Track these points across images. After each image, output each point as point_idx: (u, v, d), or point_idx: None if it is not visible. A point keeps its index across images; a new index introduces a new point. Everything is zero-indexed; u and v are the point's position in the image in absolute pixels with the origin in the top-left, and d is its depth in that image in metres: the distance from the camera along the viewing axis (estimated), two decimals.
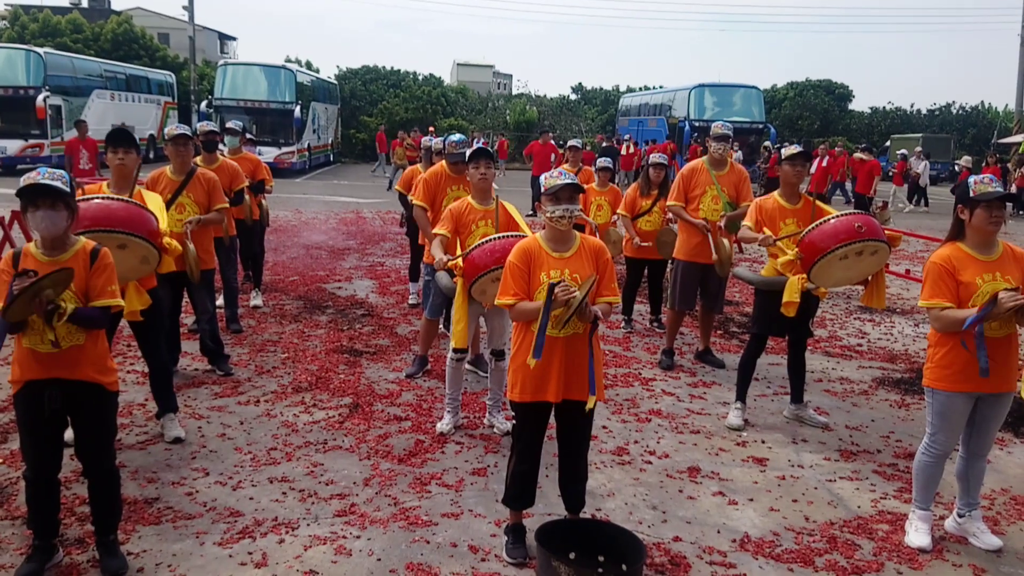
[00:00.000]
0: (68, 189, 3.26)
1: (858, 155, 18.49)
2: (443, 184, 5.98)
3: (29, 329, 3.19)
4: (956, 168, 26.38)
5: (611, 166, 8.71)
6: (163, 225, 4.53)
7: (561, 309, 3.36)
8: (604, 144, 24.80)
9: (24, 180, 3.22)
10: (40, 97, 23.41)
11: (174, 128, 5.72)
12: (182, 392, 5.54)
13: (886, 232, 5.03)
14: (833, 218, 4.95)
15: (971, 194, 3.69)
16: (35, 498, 3.40)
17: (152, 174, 5.73)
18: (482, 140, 29.22)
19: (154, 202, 4.78)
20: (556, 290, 3.32)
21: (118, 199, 4.46)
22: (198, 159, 6.46)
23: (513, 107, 42.20)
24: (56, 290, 3.11)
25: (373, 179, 26.39)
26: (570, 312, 3.33)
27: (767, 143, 26.33)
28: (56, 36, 35.16)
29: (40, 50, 25.12)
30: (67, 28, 36.43)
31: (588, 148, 20.03)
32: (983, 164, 23.51)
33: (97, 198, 4.42)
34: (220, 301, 7.28)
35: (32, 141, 23.56)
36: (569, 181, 3.51)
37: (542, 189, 3.55)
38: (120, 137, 4.82)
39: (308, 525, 3.90)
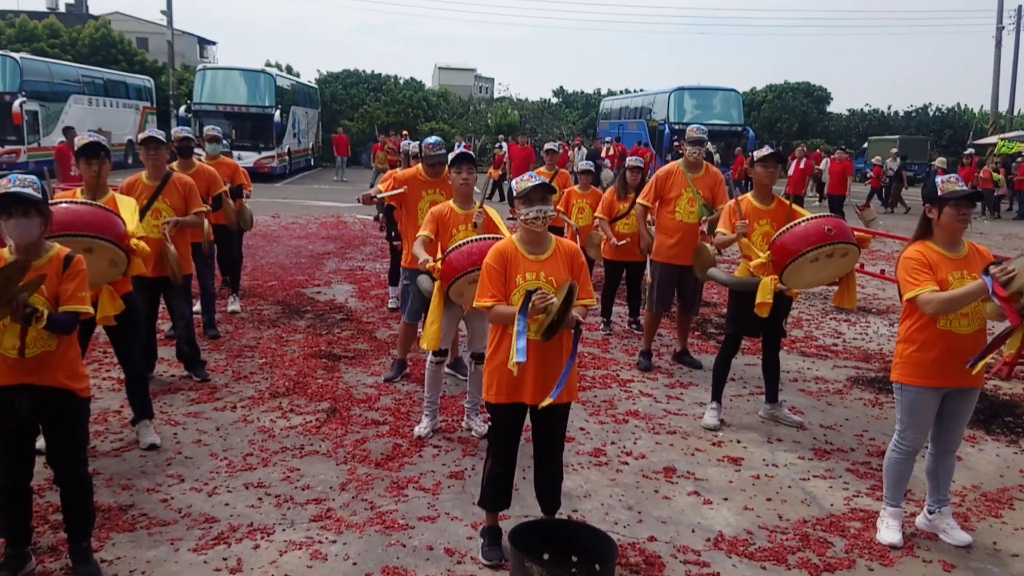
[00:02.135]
0: (40, 195, 3.24)
1: (836, 155, 18.80)
2: (417, 187, 5.96)
3: (2, 333, 3.17)
4: (932, 169, 26.71)
5: (593, 169, 8.77)
6: (131, 227, 4.51)
7: (541, 316, 3.37)
8: (591, 147, 24.89)
9: None
10: (16, 103, 23.18)
11: (145, 132, 5.71)
12: (158, 398, 5.51)
13: (856, 233, 5.10)
14: (804, 221, 5.01)
15: (939, 193, 3.76)
16: (7, 506, 3.37)
17: (128, 179, 5.70)
18: (464, 144, 29.20)
19: (126, 206, 4.76)
20: (534, 298, 3.33)
21: (84, 203, 4.44)
22: (174, 164, 6.44)
23: (495, 110, 42.17)
24: (29, 291, 3.08)
25: (354, 184, 26.27)
26: (549, 318, 3.35)
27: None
28: (33, 41, 34.84)
29: (16, 55, 24.87)
30: (44, 33, 36.11)
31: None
32: (959, 165, 23.77)
33: (63, 203, 4.40)
34: (197, 306, 7.25)
35: (8, 147, 23.32)
36: (539, 182, 3.54)
37: (514, 193, 3.59)
38: (92, 150, 4.78)
39: (284, 530, 3.90)
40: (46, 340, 3.24)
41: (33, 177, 3.31)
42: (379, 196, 5.99)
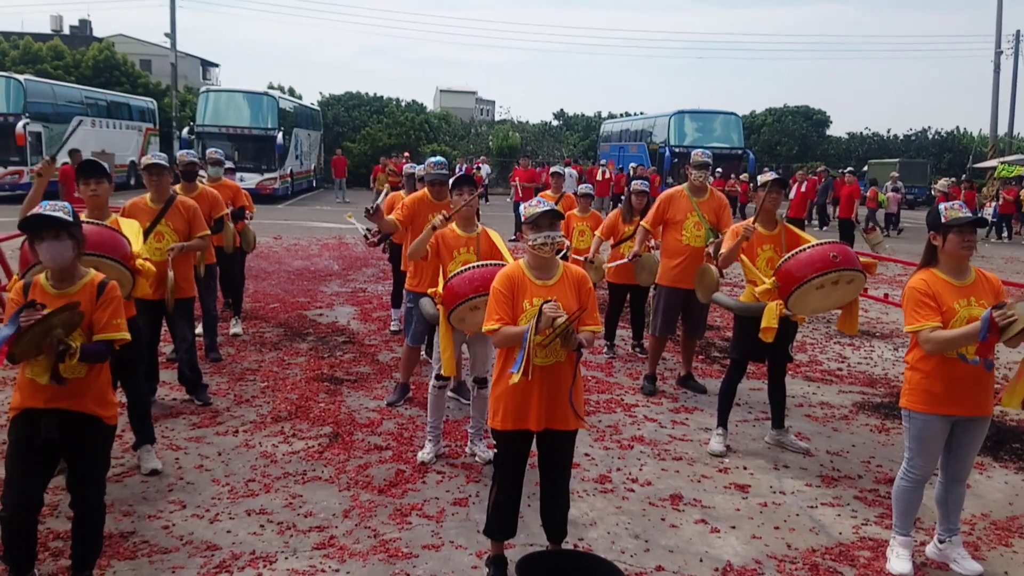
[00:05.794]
0: (71, 219, 3.28)
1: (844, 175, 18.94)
2: (424, 210, 5.97)
3: (33, 361, 3.18)
4: (932, 193, 26.82)
5: (592, 192, 8.79)
6: (136, 247, 4.51)
7: (548, 331, 3.34)
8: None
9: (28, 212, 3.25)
10: (20, 124, 23.31)
11: (148, 157, 5.73)
12: (159, 423, 5.47)
13: (862, 259, 5.08)
14: (810, 247, 5.00)
15: (943, 220, 3.74)
16: (13, 531, 3.34)
17: (132, 201, 5.70)
18: (465, 166, 29.33)
19: (130, 229, 4.76)
20: (545, 307, 3.30)
21: (89, 222, 4.44)
22: (177, 187, 6.44)
23: (496, 133, 42.42)
24: (66, 330, 3.12)
25: (356, 205, 26.31)
26: (555, 333, 3.31)
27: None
28: (37, 63, 35.05)
29: (20, 77, 25.02)
30: (48, 55, 36.33)
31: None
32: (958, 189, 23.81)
33: None
34: (199, 329, 7.21)
35: (12, 168, 23.42)
36: (547, 208, 3.53)
37: (522, 218, 3.58)
38: (91, 169, 4.81)
39: (286, 558, 3.85)
40: (77, 367, 3.26)
41: (65, 203, 3.36)
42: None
